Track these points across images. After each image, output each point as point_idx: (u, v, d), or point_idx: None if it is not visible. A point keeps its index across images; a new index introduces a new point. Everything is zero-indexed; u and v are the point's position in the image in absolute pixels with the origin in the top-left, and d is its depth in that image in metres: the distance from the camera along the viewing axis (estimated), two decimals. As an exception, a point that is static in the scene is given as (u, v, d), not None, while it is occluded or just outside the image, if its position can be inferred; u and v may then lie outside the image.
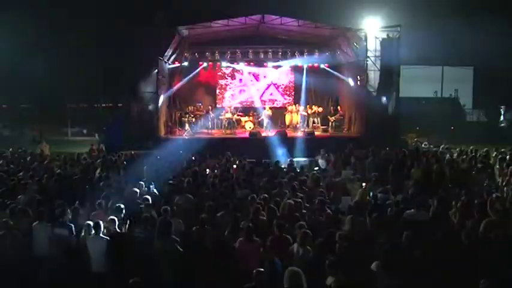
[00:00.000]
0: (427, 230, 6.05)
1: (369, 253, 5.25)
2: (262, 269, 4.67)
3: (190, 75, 20.08)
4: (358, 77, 18.03)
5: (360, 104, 18.01)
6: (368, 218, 6.67)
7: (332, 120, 19.34)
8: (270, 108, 20.24)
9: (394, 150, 13.18)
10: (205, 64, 19.68)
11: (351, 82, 18.61)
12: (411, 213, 6.77)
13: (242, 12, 17.27)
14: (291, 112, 20.03)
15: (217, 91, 21.65)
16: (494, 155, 12.56)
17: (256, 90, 21.55)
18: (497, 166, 11.22)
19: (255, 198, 7.47)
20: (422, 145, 17.36)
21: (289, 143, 15.43)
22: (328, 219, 6.77)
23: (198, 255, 5.83)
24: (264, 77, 21.55)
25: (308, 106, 20.10)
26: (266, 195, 7.82)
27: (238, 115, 19.52)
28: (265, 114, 19.48)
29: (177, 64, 19.44)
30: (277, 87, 21.82)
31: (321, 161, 12.94)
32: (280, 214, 6.84)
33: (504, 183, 9.72)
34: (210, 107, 19.72)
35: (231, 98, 21.55)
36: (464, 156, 12.24)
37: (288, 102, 21.50)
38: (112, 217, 6.42)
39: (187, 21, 17.24)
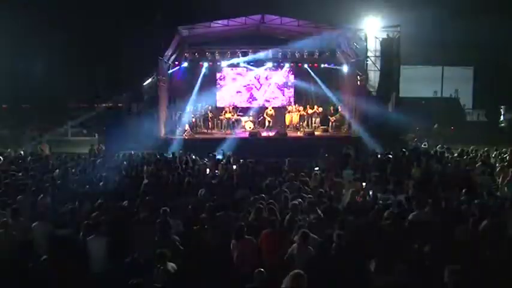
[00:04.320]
0: (429, 230, 6.06)
1: (366, 252, 5.25)
2: (262, 269, 4.67)
3: (190, 75, 20.08)
4: (358, 77, 18.04)
5: (360, 104, 18.01)
6: (365, 219, 6.68)
7: (332, 120, 19.33)
8: (273, 108, 20.23)
9: (394, 150, 13.20)
10: (206, 65, 19.71)
11: (351, 82, 18.61)
12: (414, 214, 6.75)
13: (242, 12, 17.25)
14: (291, 112, 20.03)
15: (217, 91, 21.64)
16: (494, 155, 12.58)
17: (256, 90, 21.57)
18: (497, 166, 11.24)
19: (257, 198, 7.47)
20: (422, 145, 17.36)
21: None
22: (328, 220, 6.77)
23: (198, 255, 5.83)
24: (264, 77, 21.55)
25: (308, 106, 20.12)
26: (266, 195, 7.82)
27: (238, 115, 19.52)
28: (267, 114, 19.48)
29: (177, 64, 19.45)
30: (277, 87, 21.81)
31: (320, 161, 12.93)
32: (283, 214, 6.84)
33: (504, 183, 9.73)
34: (209, 107, 19.71)
35: (231, 98, 21.54)
36: (465, 157, 12.25)
37: (288, 102, 21.50)
38: None
39: (187, 21, 17.23)
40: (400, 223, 6.41)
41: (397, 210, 7.00)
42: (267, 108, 20.09)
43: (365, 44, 17.14)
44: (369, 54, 17.18)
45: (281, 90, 21.78)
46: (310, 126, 19.45)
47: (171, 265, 5.16)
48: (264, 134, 18.45)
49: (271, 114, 19.52)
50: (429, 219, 6.63)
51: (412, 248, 5.43)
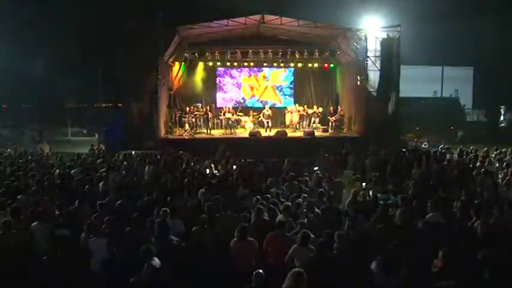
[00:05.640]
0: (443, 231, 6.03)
1: (368, 253, 5.24)
2: (261, 270, 4.67)
3: (190, 75, 20.07)
4: (358, 77, 18.04)
5: (360, 104, 18.01)
6: (366, 218, 6.67)
7: (332, 120, 19.32)
8: (270, 108, 20.21)
9: (394, 150, 13.19)
10: (205, 65, 19.71)
11: (351, 82, 18.61)
12: (430, 216, 6.63)
13: (242, 12, 17.23)
14: (291, 112, 20.00)
15: (217, 91, 21.63)
16: (494, 155, 12.57)
17: (256, 90, 21.55)
18: (497, 166, 11.23)
19: (259, 199, 7.47)
20: (422, 145, 17.37)
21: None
22: (328, 220, 6.77)
23: (198, 255, 5.83)
24: (264, 77, 21.55)
25: (308, 106, 20.10)
26: (267, 195, 7.82)
27: (238, 115, 19.50)
28: (264, 115, 19.43)
29: (177, 64, 19.43)
30: (277, 87, 21.81)
31: (321, 161, 12.92)
32: (281, 215, 6.83)
33: (504, 183, 9.72)
34: (209, 107, 19.71)
35: (231, 98, 21.53)
36: (465, 157, 12.24)
37: (288, 102, 21.48)
38: None
39: (187, 21, 17.21)
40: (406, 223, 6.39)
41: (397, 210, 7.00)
42: (263, 108, 19.98)
43: (365, 44, 17.13)
44: (369, 54, 17.17)
45: (281, 90, 21.78)
46: (310, 126, 19.42)
47: (156, 261, 5.23)
48: (264, 134, 18.44)
49: (268, 115, 19.42)
50: (444, 220, 6.55)
51: (418, 250, 5.39)
